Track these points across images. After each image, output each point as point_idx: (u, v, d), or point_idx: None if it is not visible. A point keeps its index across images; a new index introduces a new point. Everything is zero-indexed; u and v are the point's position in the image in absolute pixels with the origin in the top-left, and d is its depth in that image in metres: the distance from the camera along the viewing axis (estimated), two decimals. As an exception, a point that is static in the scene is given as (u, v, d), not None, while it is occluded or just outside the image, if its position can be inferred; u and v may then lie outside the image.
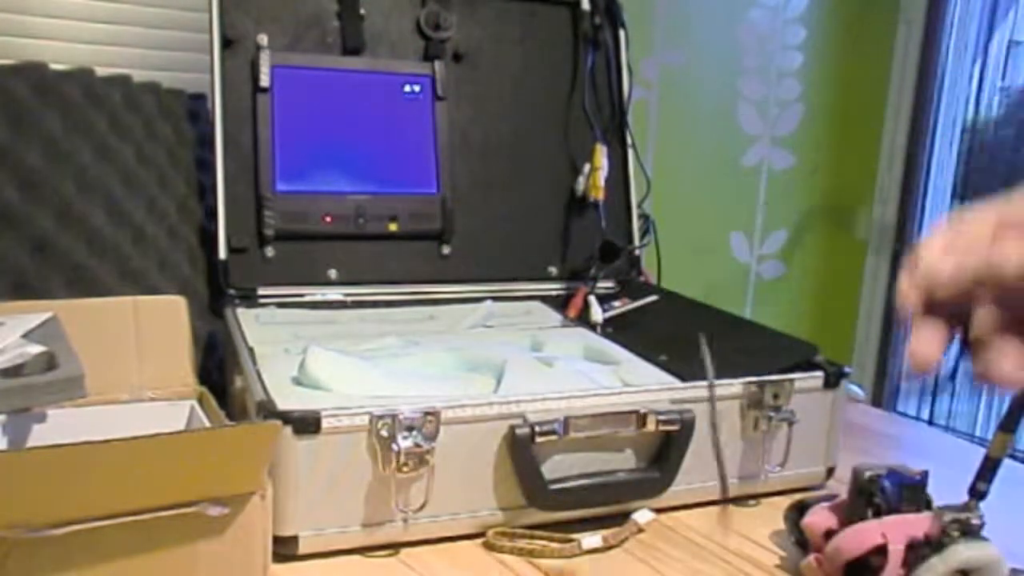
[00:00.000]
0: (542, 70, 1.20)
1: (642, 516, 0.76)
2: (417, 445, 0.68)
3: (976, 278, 0.35)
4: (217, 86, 1.02)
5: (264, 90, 1.05)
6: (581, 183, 1.18)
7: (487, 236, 1.14)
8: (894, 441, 1.05)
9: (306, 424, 0.65)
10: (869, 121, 2.04)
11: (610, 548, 0.73)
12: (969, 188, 2.00)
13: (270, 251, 1.03)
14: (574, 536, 0.72)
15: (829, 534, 0.66)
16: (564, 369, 0.83)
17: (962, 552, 0.58)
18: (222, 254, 1.00)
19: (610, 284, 1.16)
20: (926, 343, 0.36)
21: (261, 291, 1.01)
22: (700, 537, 0.76)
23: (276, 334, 0.90)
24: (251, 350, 0.80)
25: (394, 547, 0.70)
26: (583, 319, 1.04)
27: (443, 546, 0.71)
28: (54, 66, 0.94)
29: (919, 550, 0.60)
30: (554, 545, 0.71)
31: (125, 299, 0.80)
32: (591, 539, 0.72)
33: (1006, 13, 1.95)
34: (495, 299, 1.08)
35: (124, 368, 0.78)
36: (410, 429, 0.68)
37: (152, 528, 0.55)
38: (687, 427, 0.77)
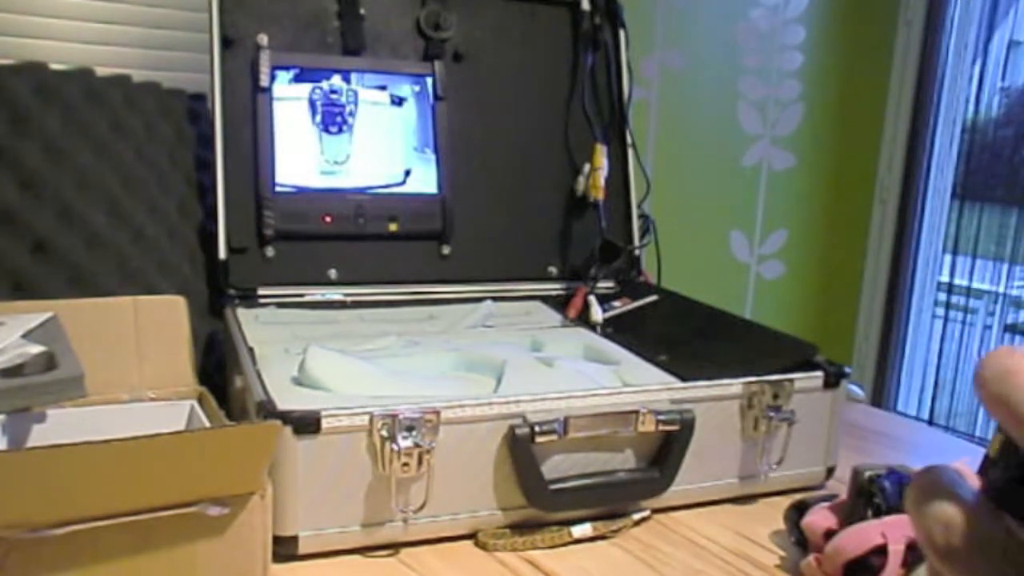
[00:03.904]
0: (542, 70, 1.20)
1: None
2: (417, 445, 0.68)
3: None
4: (217, 86, 1.02)
5: (264, 90, 1.04)
6: (581, 183, 1.18)
7: (487, 236, 1.14)
8: (894, 441, 1.05)
9: (306, 424, 0.65)
10: (869, 121, 2.04)
11: (602, 537, 0.73)
12: (969, 188, 2.00)
13: (270, 251, 1.03)
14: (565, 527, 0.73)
15: (829, 534, 0.66)
16: (564, 369, 0.83)
17: (962, 552, 0.58)
18: (222, 254, 1.00)
19: (610, 284, 1.16)
20: None
21: (261, 291, 1.01)
22: (700, 537, 0.76)
23: (276, 334, 0.90)
24: (251, 350, 0.80)
25: (394, 547, 0.70)
26: (583, 319, 1.04)
27: (443, 546, 0.71)
28: (54, 66, 0.94)
29: (919, 550, 0.60)
30: (544, 535, 0.72)
31: (125, 299, 0.80)
32: (581, 528, 0.73)
33: (1006, 13, 1.95)
34: (495, 299, 1.08)
35: (124, 368, 0.78)
36: (410, 429, 0.68)
37: (152, 528, 0.55)
38: (687, 427, 0.77)
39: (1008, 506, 0.24)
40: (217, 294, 1.01)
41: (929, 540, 0.25)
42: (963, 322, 2.04)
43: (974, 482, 0.26)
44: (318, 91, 1.08)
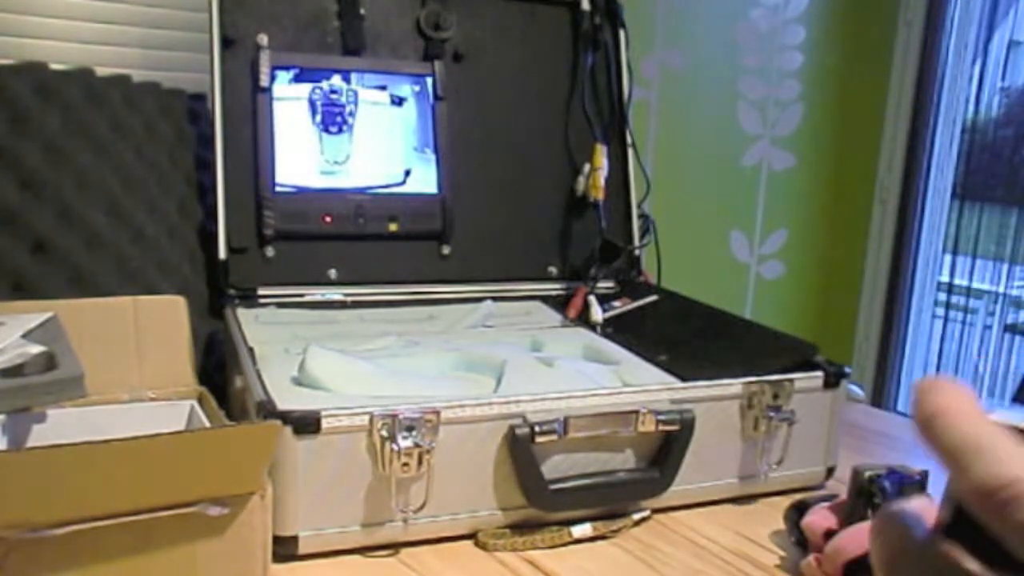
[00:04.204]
0: (542, 70, 1.20)
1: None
2: (417, 445, 0.68)
3: None
4: (217, 86, 1.02)
5: (264, 90, 1.04)
6: (581, 183, 1.18)
7: (487, 236, 1.14)
8: (894, 441, 1.05)
9: (306, 424, 0.65)
10: (869, 121, 2.04)
11: (602, 537, 0.73)
12: (969, 188, 2.00)
13: (270, 251, 1.03)
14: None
15: (829, 534, 0.66)
16: (564, 369, 0.83)
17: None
18: (222, 254, 1.00)
19: (610, 284, 1.16)
20: None
21: (261, 291, 1.01)
22: (700, 537, 0.76)
23: (276, 334, 0.90)
24: (251, 350, 0.80)
25: (394, 547, 0.70)
26: (583, 319, 1.04)
27: (443, 546, 0.71)
28: (54, 66, 0.94)
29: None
30: (544, 535, 0.72)
31: (125, 299, 0.80)
32: (581, 528, 0.73)
33: (1006, 13, 1.94)
34: (495, 299, 1.08)
35: (124, 368, 0.78)
36: (410, 429, 0.68)
37: (152, 528, 0.55)
38: (687, 427, 0.77)
39: (956, 538, 0.25)
40: (217, 294, 1.01)
41: (879, 570, 0.27)
42: (963, 322, 2.04)
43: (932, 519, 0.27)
44: (318, 91, 1.08)
